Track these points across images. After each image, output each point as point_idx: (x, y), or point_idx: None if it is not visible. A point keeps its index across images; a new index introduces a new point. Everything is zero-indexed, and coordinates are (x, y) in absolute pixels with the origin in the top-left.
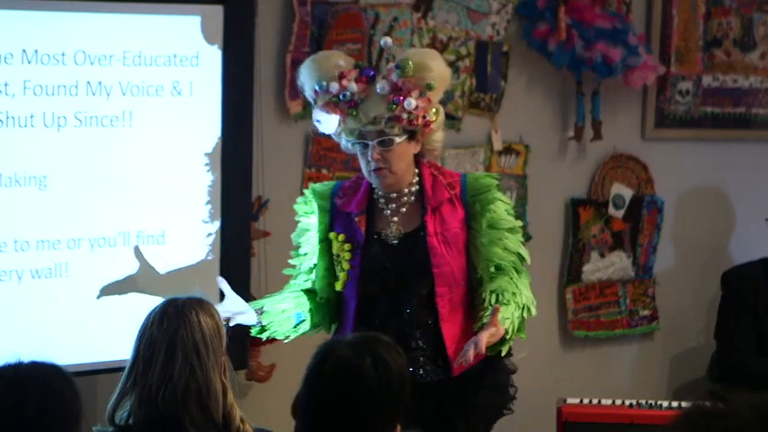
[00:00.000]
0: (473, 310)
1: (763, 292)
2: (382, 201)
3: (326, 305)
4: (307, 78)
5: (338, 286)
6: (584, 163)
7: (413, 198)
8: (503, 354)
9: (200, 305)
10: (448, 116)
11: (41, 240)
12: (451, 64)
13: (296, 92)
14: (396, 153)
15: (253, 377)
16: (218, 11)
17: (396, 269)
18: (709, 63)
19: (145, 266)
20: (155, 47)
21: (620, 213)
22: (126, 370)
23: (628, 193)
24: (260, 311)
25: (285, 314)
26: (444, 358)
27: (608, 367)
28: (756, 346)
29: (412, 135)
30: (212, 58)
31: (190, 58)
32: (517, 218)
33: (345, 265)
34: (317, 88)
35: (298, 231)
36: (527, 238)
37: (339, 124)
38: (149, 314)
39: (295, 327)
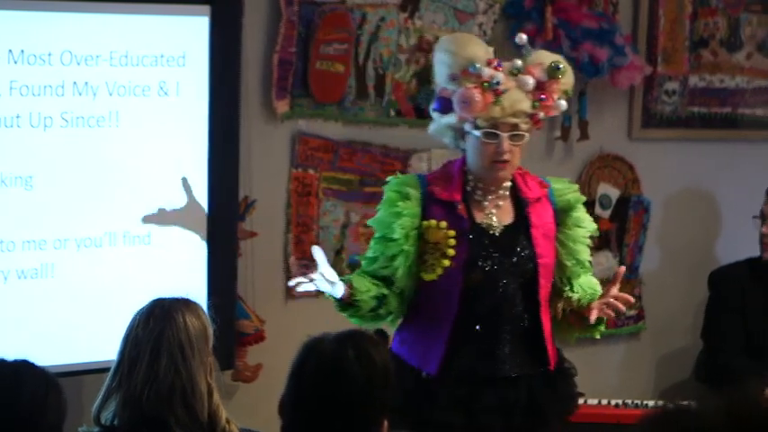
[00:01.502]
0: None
1: (750, 293)
2: (479, 192)
3: (400, 296)
4: (456, 56)
5: (431, 276)
6: (570, 163)
7: (507, 193)
8: (598, 334)
9: (186, 306)
10: None
11: (27, 241)
12: None
13: (283, 92)
14: (521, 148)
15: (239, 377)
16: (204, 11)
17: (500, 259)
18: (695, 63)
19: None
20: (141, 47)
21: (606, 213)
22: (111, 370)
23: (614, 193)
24: (350, 286)
25: (369, 294)
26: (538, 352)
27: (594, 367)
28: (743, 347)
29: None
30: (199, 58)
31: (176, 59)
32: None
33: (450, 252)
34: (470, 69)
35: (387, 216)
36: None
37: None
38: (135, 314)
39: (374, 310)
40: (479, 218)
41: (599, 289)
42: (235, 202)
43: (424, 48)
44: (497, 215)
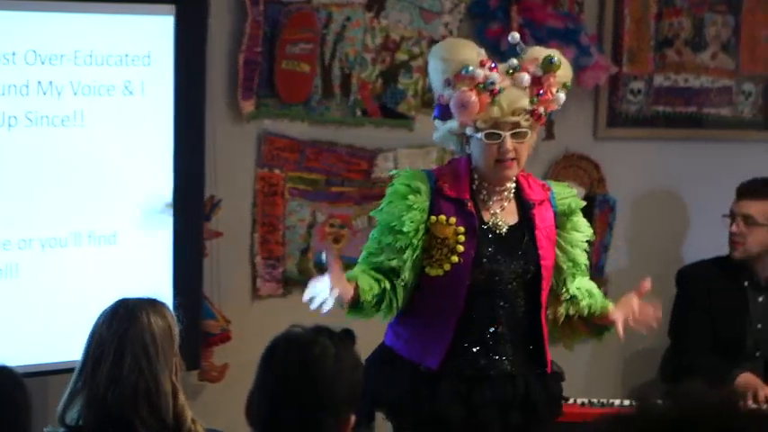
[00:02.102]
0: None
1: (718, 291)
2: (485, 192)
3: (404, 289)
4: (448, 61)
5: (437, 271)
6: (536, 162)
7: (512, 194)
8: (600, 339)
9: (151, 306)
10: (399, 116)
11: None
12: (404, 63)
13: (249, 92)
14: (525, 146)
15: (205, 378)
16: (170, 10)
17: (506, 259)
18: (660, 63)
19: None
20: (106, 46)
21: None
22: (76, 370)
23: (580, 193)
24: (355, 286)
25: (373, 292)
26: (536, 353)
27: (562, 366)
28: (709, 346)
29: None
30: (164, 57)
31: (141, 58)
32: None
33: (459, 249)
34: (463, 72)
35: (396, 208)
36: None
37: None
38: (101, 314)
39: (377, 305)
40: (486, 217)
41: (597, 291)
42: (200, 202)
43: (390, 47)
44: (502, 215)
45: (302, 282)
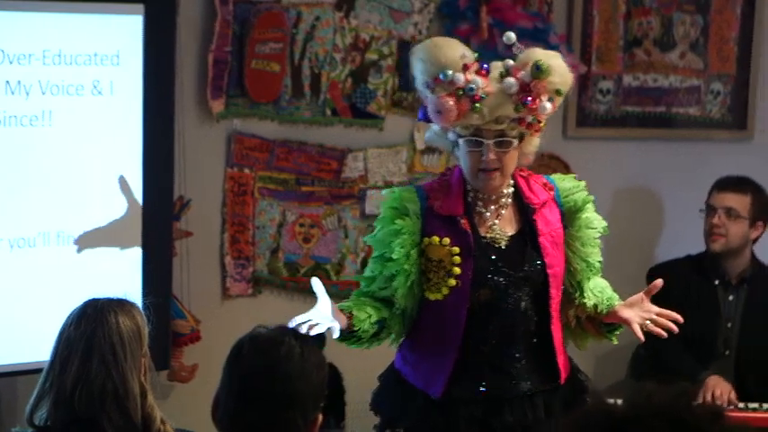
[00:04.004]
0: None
1: (691, 289)
2: (480, 203)
3: (401, 316)
4: (427, 63)
5: (436, 296)
6: None
7: (509, 200)
8: (615, 339)
9: (120, 306)
10: (369, 115)
11: None
12: (374, 63)
13: (218, 91)
14: (510, 155)
15: (175, 378)
16: (138, 10)
17: (509, 273)
18: (629, 62)
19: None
20: (75, 46)
21: None
22: (44, 371)
23: None
24: (349, 316)
25: (370, 320)
26: (550, 367)
27: None
28: (683, 345)
29: (521, 138)
30: (133, 57)
31: (110, 57)
32: None
33: (456, 271)
34: (440, 77)
35: (384, 234)
36: None
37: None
38: (69, 315)
39: (375, 335)
40: (483, 231)
41: (610, 291)
42: (169, 202)
43: (360, 47)
44: (501, 226)
45: (272, 282)
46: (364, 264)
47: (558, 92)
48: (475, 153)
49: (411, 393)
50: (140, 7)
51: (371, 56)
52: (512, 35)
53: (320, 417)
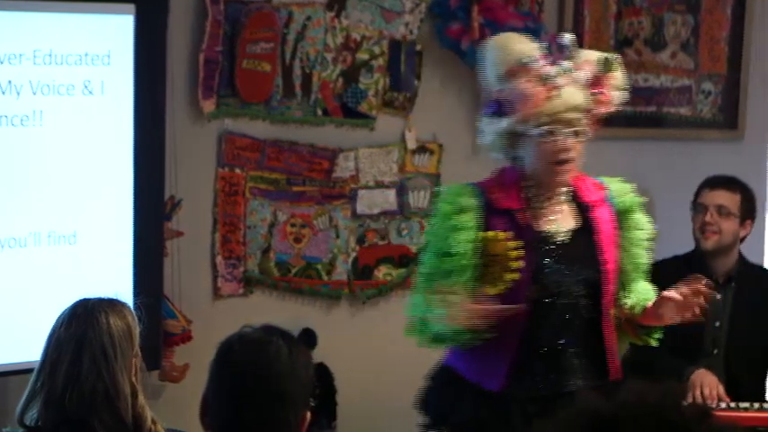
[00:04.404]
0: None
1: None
2: (538, 199)
3: None
4: (505, 54)
5: (495, 290)
6: (497, 161)
7: (566, 198)
8: (654, 341)
9: (110, 306)
10: (360, 115)
11: None
12: (365, 63)
13: (209, 91)
14: (580, 147)
15: (166, 378)
16: (129, 9)
17: (567, 268)
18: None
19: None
20: (66, 46)
21: None
22: (35, 371)
23: None
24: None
25: None
26: (602, 366)
27: None
28: (667, 344)
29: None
30: (124, 57)
31: (101, 57)
32: None
33: (515, 265)
34: (523, 63)
35: (442, 230)
36: None
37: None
38: (60, 315)
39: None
40: (542, 225)
41: (652, 294)
42: (161, 202)
43: (351, 46)
44: (560, 221)
45: (263, 281)
46: (355, 264)
47: (619, 88)
48: (550, 144)
49: (464, 390)
50: (131, 7)
51: (362, 56)
52: (569, 36)
53: (309, 415)
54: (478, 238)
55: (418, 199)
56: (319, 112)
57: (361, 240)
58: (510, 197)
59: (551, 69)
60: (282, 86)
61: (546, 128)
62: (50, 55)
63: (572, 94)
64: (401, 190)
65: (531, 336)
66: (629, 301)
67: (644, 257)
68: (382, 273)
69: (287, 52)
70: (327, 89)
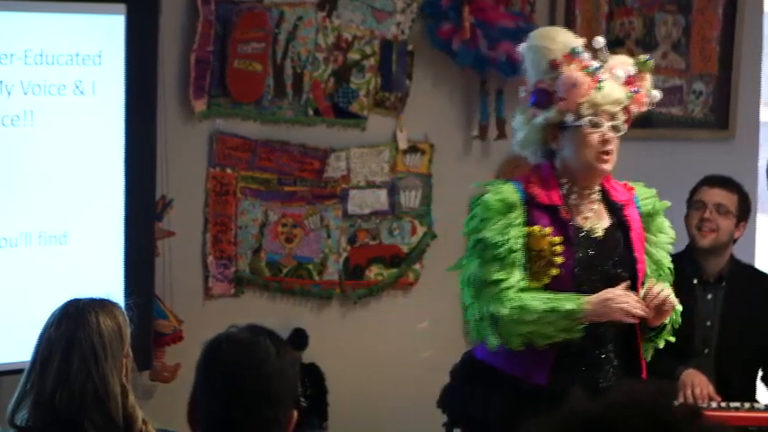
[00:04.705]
0: None
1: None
2: (574, 196)
3: None
4: (551, 44)
5: (536, 284)
6: (488, 161)
7: (599, 197)
8: (662, 342)
9: (101, 306)
10: (352, 115)
11: None
12: (356, 63)
13: (200, 91)
14: (618, 142)
15: (157, 378)
16: (120, 9)
17: (605, 265)
18: None
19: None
20: (57, 46)
21: None
22: (25, 371)
23: None
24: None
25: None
26: (634, 366)
27: None
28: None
29: None
30: (115, 57)
31: (92, 57)
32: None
33: (558, 260)
34: (571, 53)
35: (499, 226)
36: (432, 236)
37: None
38: (51, 315)
39: None
40: (580, 222)
41: (674, 299)
42: (152, 202)
43: (342, 46)
44: (595, 218)
45: (254, 281)
46: (346, 264)
47: (649, 90)
48: (594, 135)
49: (500, 385)
50: (122, 7)
51: (354, 56)
52: (601, 39)
53: (296, 414)
54: (525, 234)
55: (409, 199)
56: (310, 112)
57: (352, 240)
58: (550, 193)
59: (595, 62)
60: (273, 86)
61: (589, 119)
62: (41, 55)
63: (613, 88)
64: (392, 190)
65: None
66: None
67: (667, 260)
68: (373, 273)
69: (278, 52)
70: (318, 89)
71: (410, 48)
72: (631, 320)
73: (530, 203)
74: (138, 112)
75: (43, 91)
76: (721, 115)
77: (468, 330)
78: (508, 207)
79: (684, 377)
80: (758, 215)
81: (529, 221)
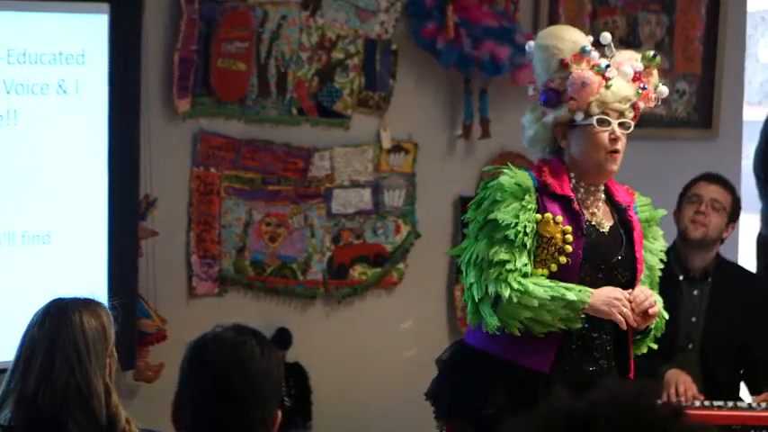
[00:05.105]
0: None
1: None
2: (582, 191)
3: None
4: (561, 43)
5: (543, 271)
6: (472, 161)
7: (603, 196)
8: (645, 348)
9: (85, 306)
10: (335, 114)
11: None
12: (340, 62)
13: (184, 90)
14: (625, 140)
15: (141, 377)
16: (104, 9)
17: (610, 260)
18: None
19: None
20: (40, 45)
21: None
22: (9, 370)
23: None
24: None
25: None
26: (624, 362)
27: None
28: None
29: None
30: (99, 56)
31: (76, 57)
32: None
33: (568, 249)
34: (584, 50)
35: (513, 208)
36: (416, 236)
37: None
38: (35, 314)
39: None
40: (588, 216)
41: (659, 308)
42: (135, 201)
43: (326, 46)
44: (601, 215)
45: (238, 281)
46: (330, 263)
47: (657, 86)
48: (603, 133)
49: (495, 373)
50: (106, 6)
51: (338, 55)
52: (608, 35)
53: (280, 414)
54: (536, 220)
55: (393, 198)
56: (294, 111)
57: (336, 239)
58: (562, 183)
59: (603, 60)
60: (257, 86)
61: (599, 117)
62: (25, 54)
63: (622, 86)
64: (376, 189)
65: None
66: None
67: (658, 267)
68: (357, 272)
69: (262, 51)
70: (302, 88)
71: (394, 47)
72: (623, 327)
73: (542, 191)
74: (121, 111)
75: (26, 90)
76: (705, 114)
77: (464, 314)
78: (523, 191)
79: (668, 376)
80: (742, 214)
81: (540, 209)
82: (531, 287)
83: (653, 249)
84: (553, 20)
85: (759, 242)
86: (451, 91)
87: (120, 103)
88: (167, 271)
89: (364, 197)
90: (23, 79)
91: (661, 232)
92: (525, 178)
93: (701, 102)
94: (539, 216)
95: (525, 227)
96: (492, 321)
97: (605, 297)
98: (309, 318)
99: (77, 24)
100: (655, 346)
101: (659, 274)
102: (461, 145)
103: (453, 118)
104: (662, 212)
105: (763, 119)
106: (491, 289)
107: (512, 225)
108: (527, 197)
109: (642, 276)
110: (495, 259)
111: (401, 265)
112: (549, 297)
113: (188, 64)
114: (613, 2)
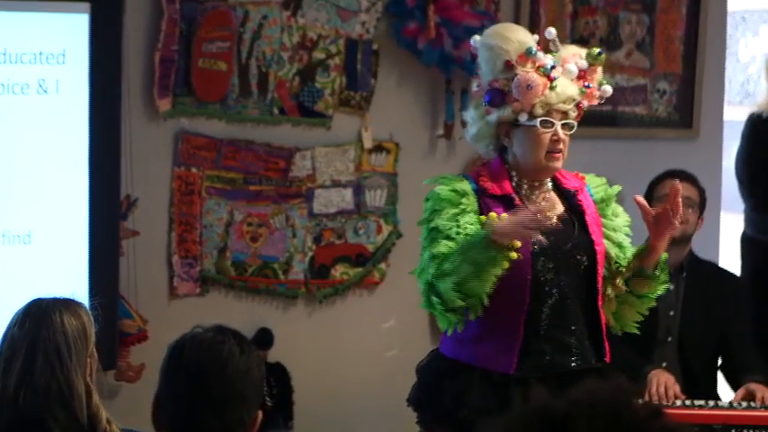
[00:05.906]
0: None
1: None
2: (525, 187)
3: None
4: (506, 43)
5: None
6: (453, 160)
7: (550, 186)
8: (652, 297)
9: (65, 306)
10: (317, 114)
11: None
12: (321, 62)
13: (165, 90)
14: (569, 140)
15: (122, 378)
16: (84, 8)
17: (563, 248)
18: None
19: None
20: (20, 44)
21: None
22: None
23: None
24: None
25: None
26: (597, 345)
27: None
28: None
29: None
30: (79, 55)
31: (56, 56)
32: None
33: (517, 245)
34: (526, 53)
35: (451, 215)
36: (398, 235)
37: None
38: (15, 314)
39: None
40: (533, 209)
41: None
42: (116, 201)
43: (307, 45)
44: (548, 206)
45: (219, 281)
46: (312, 263)
47: (601, 82)
48: (546, 134)
49: (468, 380)
50: (86, 6)
51: (319, 55)
52: (552, 30)
53: (260, 414)
54: (479, 221)
55: (375, 198)
56: (276, 111)
57: (317, 239)
58: (502, 184)
59: (549, 61)
60: (239, 85)
61: (542, 119)
62: (4, 53)
63: (566, 86)
64: (358, 189)
65: (533, 316)
66: (624, 261)
67: (627, 241)
68: (339, 272)
69: (243, 51)
70: (284, 88)
71: (375, 47)
72: (536, 235)
73: (481, 195)
74: (102, 111)
75: (6, 90)
76: (685, 114)
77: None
78: (460, 195)
79: (651, 376)
80: (722, 214)
81: (482, 210)
82: (447, 256)
83: (616, 227)
84: (534, 19)
85: (743, 242)
86: (433, 91)
87: (101, 102)
88: (148, 271)
89: (346, 197)
90: (3, 79)
91: (621, 208)
92: (462, 184)
93: (682, 101)
94: (483, 218)
95: (466, 228)
96: (441, 316)
97: (510, 219)
98: (291, 318)
99: (58, 24)
100: (636, 331)
101: (630, 247)
102: (443, 145)
103: (434, 118)
104: (617, 188)
105: (743, 119)
106: (424, 280)
107: (452, 227)
108: (464, 200)
109: (613, 254)
110: (435, 251)
111: (383, 265)
112: (459, 248)
113: (169, 64)
114: (594, 2)
